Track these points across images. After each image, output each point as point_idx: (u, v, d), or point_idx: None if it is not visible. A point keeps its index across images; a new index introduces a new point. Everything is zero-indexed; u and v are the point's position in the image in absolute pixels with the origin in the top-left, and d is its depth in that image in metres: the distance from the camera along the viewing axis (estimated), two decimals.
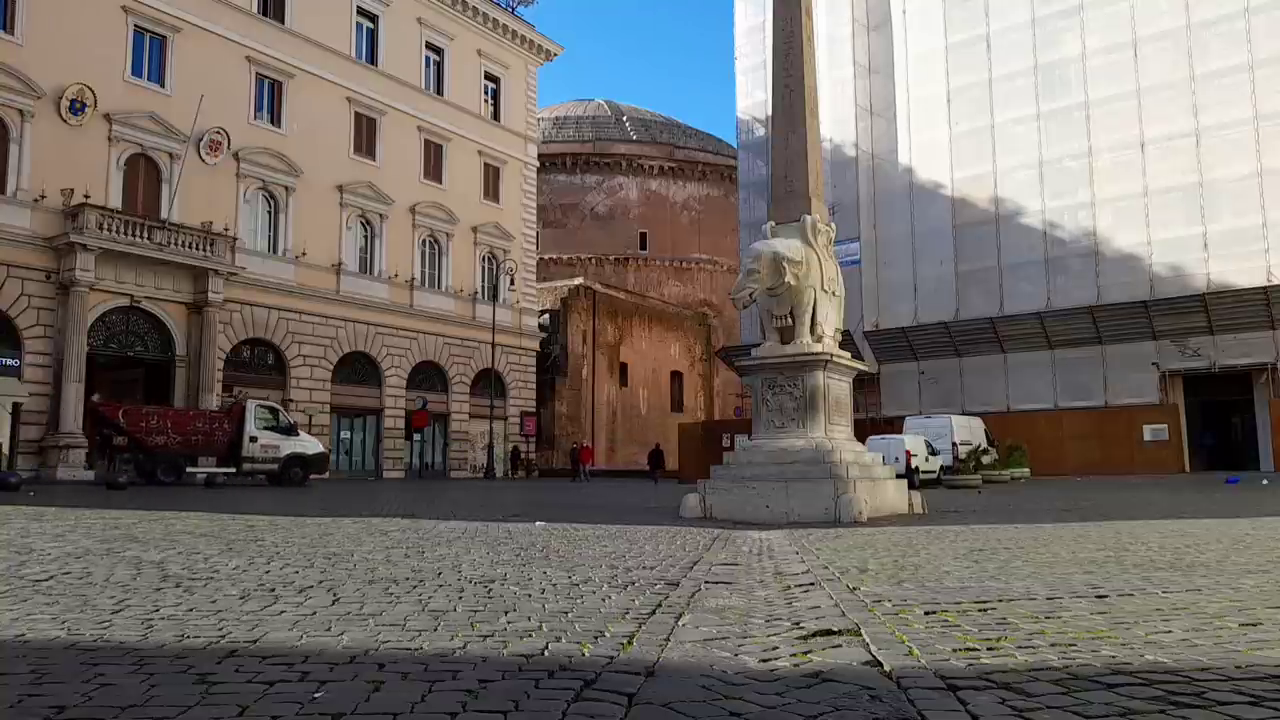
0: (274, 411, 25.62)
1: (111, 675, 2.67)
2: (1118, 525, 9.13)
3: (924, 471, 25.69)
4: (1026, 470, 29.43)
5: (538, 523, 9.89)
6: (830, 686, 2.58)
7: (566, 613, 3.85)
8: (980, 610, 3.88)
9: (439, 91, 38.72)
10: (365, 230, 35.33)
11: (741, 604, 4.11)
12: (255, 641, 3.19)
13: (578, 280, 48.97)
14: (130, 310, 27.89)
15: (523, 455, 40.56)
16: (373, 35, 36.42)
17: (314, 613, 3.80)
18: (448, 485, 27.66)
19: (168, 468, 22.93)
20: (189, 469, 23.52)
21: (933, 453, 27.35)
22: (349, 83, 34.79)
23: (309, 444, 25.75)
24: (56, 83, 26.38)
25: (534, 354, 42.30)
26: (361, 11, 35.88)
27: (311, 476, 25.32)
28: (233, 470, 23.78)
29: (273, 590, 4.46)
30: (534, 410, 41.96)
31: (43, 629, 3.40)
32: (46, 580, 4.78)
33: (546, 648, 3.11)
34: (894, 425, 31.42)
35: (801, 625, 3.53)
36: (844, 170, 37.37)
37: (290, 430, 25.34)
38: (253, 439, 24.08)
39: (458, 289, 38.48)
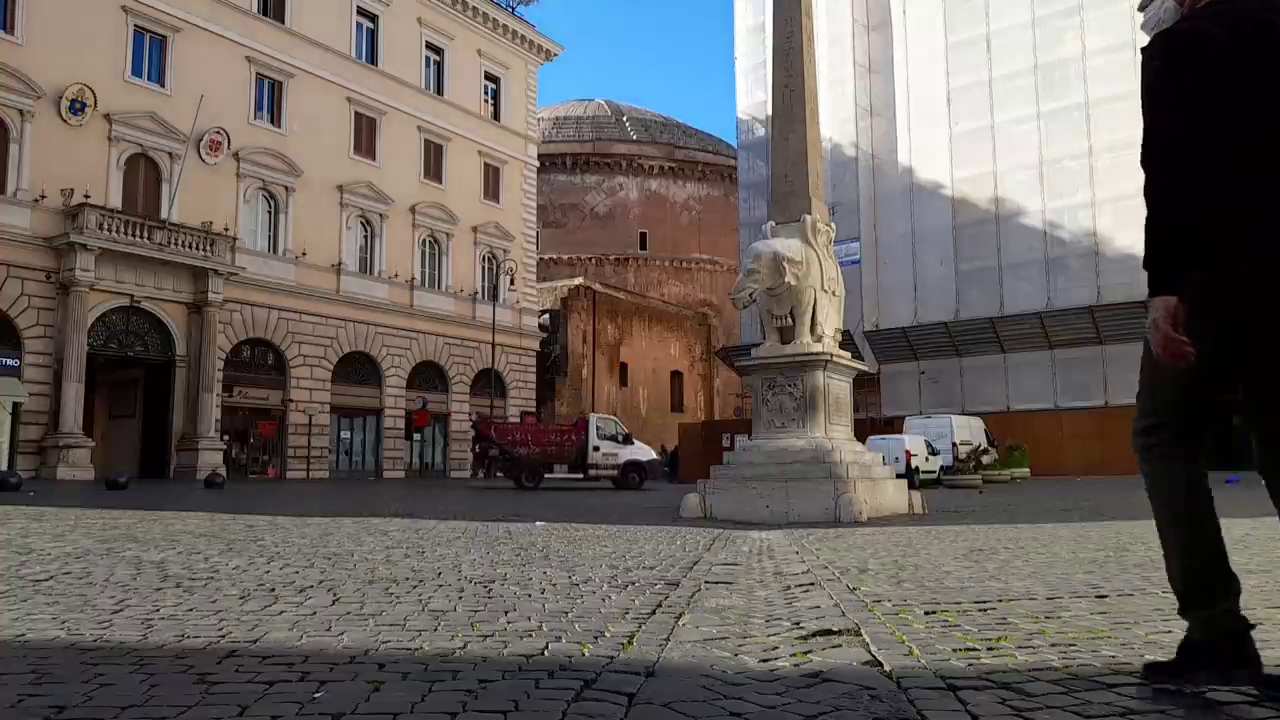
0: (612, 424, 27.95)
1: (111, 675, 2.66)
2: (1118, 525, 9.13)
3: (924, 471, 25.70)
4: (1026, 470, 29.43)
5: (538, 523, 9.90)
6: (830, 686, 2.58)
7: (566, 613, 3.85)
8: (980, 610, 3.88)
9: (439, 91, 38.70)
10: (365, 230, 35.32)
11: (741, 604, 4.11)
12: (255, 641, 3.19)
13: (578, 280, 48.92)
14: (130, 310, 27.88)
15: None
16: (373, 35, 36.40)
17: (314, 613, 3.80)
18: (448, 485, 27.75)
19: (530, 473, 25.71)
20: (546, 475, 26.34)
21: (933, 453, 27.36)
22: (349, 83, 34.78)
23: (643, 452, 27.78)
24: (56, 83, 26.36)
25: (534, 354, 42.28)
26: (361, 11, 35.86)
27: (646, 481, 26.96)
28: (580, 475, 26.14)
29: (273, 590, 4.46)
30: (534, 410, 41.90)
31: (43, 629, 3.40)
32: (46, 580, 4.78)
33: (546, 648, 3.11)
34: (894, 425, 31.42)
35: (801, 625, 3.53)
36: (844, 170, 37.38)
37: (627, 440, 27.40)
38: (595, 448, 26.33)
39: (458, 289, 38.47)
